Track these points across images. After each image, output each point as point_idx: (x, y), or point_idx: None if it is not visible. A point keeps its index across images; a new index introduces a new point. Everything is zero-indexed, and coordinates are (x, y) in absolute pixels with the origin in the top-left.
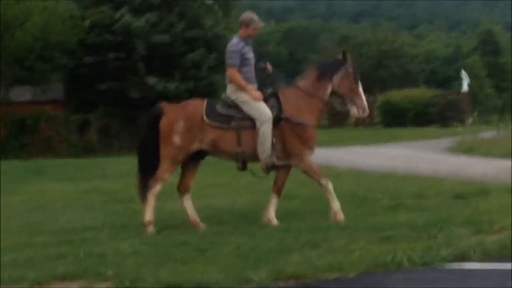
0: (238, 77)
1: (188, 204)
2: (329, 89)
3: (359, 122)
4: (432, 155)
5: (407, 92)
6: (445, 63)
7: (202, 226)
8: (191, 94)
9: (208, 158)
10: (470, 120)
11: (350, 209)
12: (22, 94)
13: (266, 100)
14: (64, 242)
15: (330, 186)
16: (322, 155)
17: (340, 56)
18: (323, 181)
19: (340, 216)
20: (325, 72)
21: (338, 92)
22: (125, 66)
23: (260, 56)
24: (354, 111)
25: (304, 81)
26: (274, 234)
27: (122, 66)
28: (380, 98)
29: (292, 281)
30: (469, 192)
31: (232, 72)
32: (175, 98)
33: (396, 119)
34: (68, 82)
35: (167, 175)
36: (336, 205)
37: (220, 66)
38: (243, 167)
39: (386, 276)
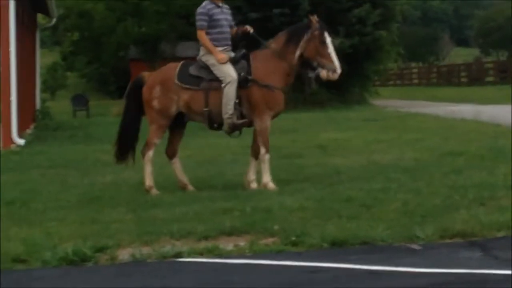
0: (205, 39)
1: (176, 166)
2: (297, 53)
3: None
4: None
5: None
6: None
7: (191, 187)
8: (356, 50)
9: (367, 116)
10: None
11: None
12: (187, 49)
13: (236, 61)
14: (231, 197)
15: (267, 157)
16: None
17: (307, 21)
18: (264, 150)
19: (270, 187)
20: (292, 36)
21: (306, 56)
22: (290, 21)
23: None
24: (322, 73)
25: (274, 44)
26: (440, 191)
27: (287, 22)
28: None
29: (459, 239)
30: None
31: (199, 34)
32: (340, 54)
33: None
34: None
35: (156, 139)
36: (266, 177)
37: (384, 22)
38: (213, 128)
39: None
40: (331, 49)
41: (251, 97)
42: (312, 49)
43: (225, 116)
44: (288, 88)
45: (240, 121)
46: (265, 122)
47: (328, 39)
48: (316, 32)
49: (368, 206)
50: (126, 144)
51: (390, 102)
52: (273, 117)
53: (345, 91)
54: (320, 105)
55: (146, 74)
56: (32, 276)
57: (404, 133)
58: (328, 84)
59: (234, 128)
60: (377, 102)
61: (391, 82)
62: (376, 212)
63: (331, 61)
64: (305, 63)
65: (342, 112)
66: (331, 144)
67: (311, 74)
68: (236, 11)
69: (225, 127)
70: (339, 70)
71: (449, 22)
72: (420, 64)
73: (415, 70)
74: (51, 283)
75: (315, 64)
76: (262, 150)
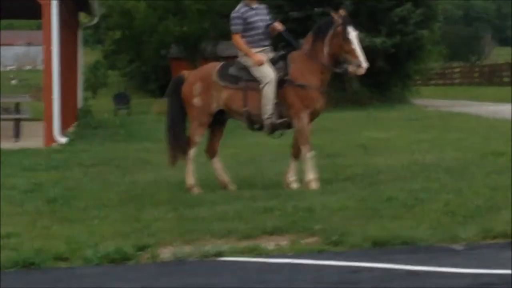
0: (240, 43)
1: (217, 165)
2: (325, 51)
3: None
4: None
5: None
6: None
7: (231, 186)
8: (397, 49)
9: (409, 116)
10: None
11: None
12: (228, 48)
13: (275, 62)
14: (272, 196)
15: (309, 155)
16: None
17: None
18: (305, 149)
19: (313, 185)
20: (318, 35)
21: (332, 53)
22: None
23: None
24: (350, 69)
25: (305, 45)
26: (482, 192)
27: None
28: None
29: (501, 239)
30: None
31: (234, 38)
32: (382, 53)
33: None
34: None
35: (197, 137)
36: (310, 176)
37: (426, 21)
38: (254, 129)
39: None
40: (355, 44)
41: (287, 97)
42: (336, 46)
43: (264, 116)
44: (325, 87)
45: (279, 121)
46: (302, 120)
47: (352, 34)
48: (339, 28)
49: (409, 206)
50: (176, 143)
51: (432, 102)
52: (314, 116)
53: (386, 90)
54: (361, 104)
55: (186, 73)
56: (73, 274)
57: (446, 133)
58: (369, 83)
59: (274, 129)
60: (419, 101)
61: (433, 82)
62: (418, 212)
63: (356, 57)
64: (338, 60)
65: (384, 111)
66: (373, 144)
67: (340, 70)
68: (278, 10)
69: (265, 127)
70: (364, 65)
71: (491, 22)
72: (462, 64)
73: (457, 70)
74: (93, 281)
75: (342, 60)
76: (304, 149)
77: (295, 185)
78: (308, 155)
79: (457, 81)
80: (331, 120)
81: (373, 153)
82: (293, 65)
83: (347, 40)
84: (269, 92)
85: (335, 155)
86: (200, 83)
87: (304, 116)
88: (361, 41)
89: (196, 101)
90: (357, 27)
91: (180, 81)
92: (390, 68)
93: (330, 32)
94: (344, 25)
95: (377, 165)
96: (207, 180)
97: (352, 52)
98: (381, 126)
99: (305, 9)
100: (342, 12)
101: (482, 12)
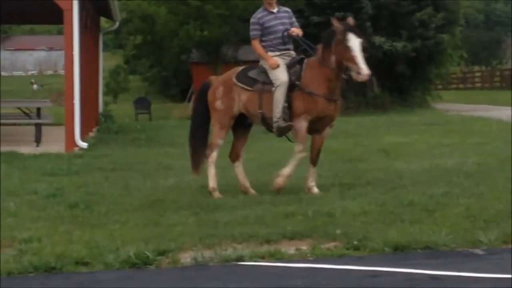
0: (257, 47)
1: (239, 170)
2: (333, 58)
3: None
4: None
5: None
6: None
7: (252, 191)
8: (418, 53)
9: (430, 120)
10: None
11: None
12: (249, 53)
13: (291, 66)
14: (293, 201)
15: (299, 156)
16: None
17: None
18: (299, 147)
19: (278, 182)
20: (326, 42)
21: (338, 60)
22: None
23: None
24: (353, 76)
25: (318, 51)
26: (504, 196)
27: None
28: None
29: None
30: None
31: (253, 43)
32: (402, 57)
33: None
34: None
35: (219, 140)
36: (286, 170)
37: (447, 25)
38: (272, 131)
39: None
40: (355, 51)
41: (294, 101)
42: (339, 54)
43: (274, 118)
44: (335, 94)
45: (284, 125)
46: (300, 122)
47: (353, 42)
48: (340, 37)
49: (430, 210)
50: (198, 148)
51: (453, 106)
52: (327, 122)
53: (407, 94)
54: (382, 108)
55: (213, 78)
56: (94, 278)
57: (467, 137)
58: (390, 88)
59: (281, 132)
60: (440, 105)
61: (454, 86)
62: (439, 217)
63: (355, 63)
64: (345, 67)
65: (405, 116)
66: (394, 148)
67: (346, 77)
68: (299, 14)
69: (274, 130)
70: (364, 72)
71: None
72: (483, 68)
73: (478, 74)
74: (114, 285)
75: (346, 67)
76: (298, 147)
77: (315, 190)
78: (298, 154)
79: (478, 85)
80: (353, 125)
81: (394, 158)
82: (306, 71)
83: (347, 48)
84: (279, 95)
85: (357, 159)
86: (222, 87)
87: (303, 120)
88: (379, 45)
89: (219, 104)
90: (362, 34)
91: (206, 87)
92: (411, 72)
93: (334, 40)
94: (344, 33)
95: (398, 169)
96: (227, 185)
97: (352, 59)
98: (402, 130)
99: (326, 14)
100: (349, 20)
101: (503, 16)
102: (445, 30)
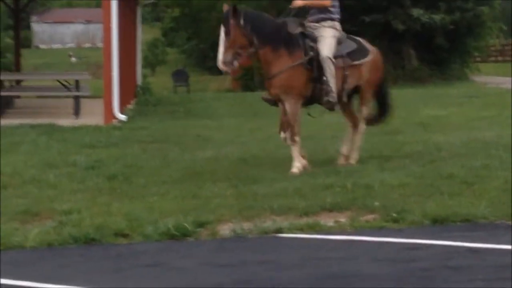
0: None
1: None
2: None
3: None
4: None
5: None
6: None
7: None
8: (457, 25)
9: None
10: None
11: None
12: None
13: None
14: (332, 173)
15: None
16: None
17: None
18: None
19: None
20: None
21: None
22: None
23: None
24: None
25: None
26: None
27: None
28: None
29: None
30: None
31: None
32: (441, 30)
33: None
34: None
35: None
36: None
37: None
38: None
39: None
40: (220, 43)
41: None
42: None
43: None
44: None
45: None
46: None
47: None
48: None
49: (469, 183)
50: None
51: (491, 79)
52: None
53: (446, 67)
54: (420, 81)
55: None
56: (133, 250)
57: (505, 110)
58: (428, 60)
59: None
60: (478, 78)
61: (492, 59)
62: (478, 189)
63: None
64: None
65: (443, 89)
66: (432, 121)
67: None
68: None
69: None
70: (220, 60)
71: None
72: None
73: None
74: (153, 257)
75: None
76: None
77: (354, 162)
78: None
79: None
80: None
81: (432, 130)
82: None
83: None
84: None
85: (394, 132)
86: None
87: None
88: (418, 18)
89: None
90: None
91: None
92: (449, 45)
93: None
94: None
95: (436, 142)
96: (266, 157)
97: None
98: (440, 103)
99: None
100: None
101: None
102: (484, 3)
